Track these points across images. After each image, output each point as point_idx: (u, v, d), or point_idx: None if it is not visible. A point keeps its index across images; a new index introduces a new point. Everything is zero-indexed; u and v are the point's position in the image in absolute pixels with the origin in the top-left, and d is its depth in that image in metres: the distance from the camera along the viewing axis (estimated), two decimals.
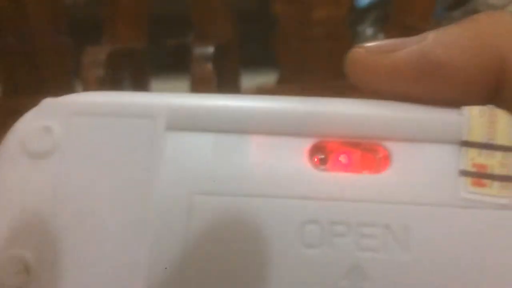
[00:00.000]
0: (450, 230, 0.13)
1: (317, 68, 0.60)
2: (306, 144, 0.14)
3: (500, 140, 0.14)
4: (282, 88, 0.60)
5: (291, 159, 0.13)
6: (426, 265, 0.13)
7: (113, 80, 0.58)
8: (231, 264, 0.13)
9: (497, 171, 0.14)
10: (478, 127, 0.14)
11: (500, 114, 0.14)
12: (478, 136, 0.14)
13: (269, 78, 0.65)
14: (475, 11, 0.60)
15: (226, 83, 0.61)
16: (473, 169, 0.14)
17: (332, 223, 0.13)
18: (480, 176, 0.14)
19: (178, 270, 0.13)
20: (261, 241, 0.13)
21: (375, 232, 0.13)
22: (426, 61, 0.14)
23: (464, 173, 0.14)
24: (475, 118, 0.14)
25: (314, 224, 0.13)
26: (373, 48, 0.14)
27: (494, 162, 0.14)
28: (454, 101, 0.14)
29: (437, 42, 0.14)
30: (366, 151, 0.14)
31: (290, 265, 0.13)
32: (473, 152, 0.14)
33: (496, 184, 0.13)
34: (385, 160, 0.14)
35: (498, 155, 0.14)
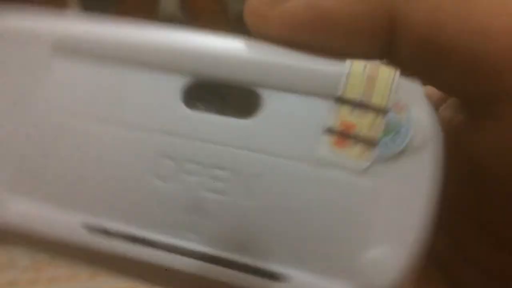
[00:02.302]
0: (299, 186, 0.13)
1: None
2: (182, 82, 0.14)
3: (375, 99, 0.13)
4: None
5: (164, 95, 0.14)
6: (266, 214, 0.13)
7: None
8: (89, 182, 0.14)
9: (364, 132, 0.13)
10: (356, 83, 0.13)
11: (383, 72, 0.13)
12: (354, 93, 0.13)
13: None
14: None
15: None
16: (340, 128, 0.13)
17: (187, 160, 0.13)
18: (344, 136, 0.13)
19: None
20: (116, 165, 0.14)
21: (226, 175, 0.13)
22: (311, 9, 0.13)
23: (330, 130, 0.13)
24: (355, 74, 0.13)
25: (170, 159, 0.13)
26: None
27: (364, 122, 0.13)
28: (345, 53, 0.13)
29: None
30: (240, 95, 0.14)
31: (138, 192, 0.13)
32: (345, 110, 0.13)
33: (358, 147, 0.13)
34: (257, 106, 0.13)
35: (370, 116, 0.13)
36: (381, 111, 0.13)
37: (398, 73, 0.12)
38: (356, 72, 0.13)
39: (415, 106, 0.12)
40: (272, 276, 0.13)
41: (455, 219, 0.15)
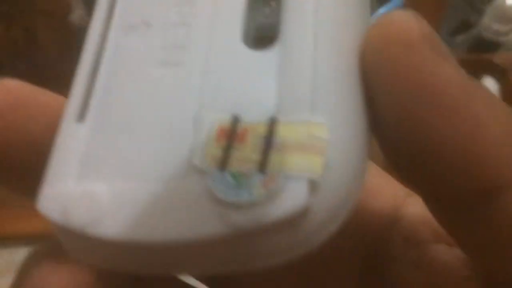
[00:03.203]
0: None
1: None
2: None
3: (275, 156, 0.10)
4: None
5: None
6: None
7: None
8: None
9: (235, 152, 0.10)
10: (297, 129, 0.10)
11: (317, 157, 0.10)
12: (286, 132, 0.10)
13: None
14: (479, 37, 0.59)
15: None
16: (239, 127, 0.10)
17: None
18: (229, 134, 0.10)
19: None
20: None
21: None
22: None
23: (235, 119, 0.10)
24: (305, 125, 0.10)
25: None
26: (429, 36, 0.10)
27: (247, 149, 0.10)
28: None
29: None
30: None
31: None
32: (259, 127, 0.10)
33: (219, 150, 0.10)
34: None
35: (256, 155, 0.10)
36: (263, 164, 0.10)
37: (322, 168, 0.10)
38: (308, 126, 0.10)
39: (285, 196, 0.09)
40: None
41: None
